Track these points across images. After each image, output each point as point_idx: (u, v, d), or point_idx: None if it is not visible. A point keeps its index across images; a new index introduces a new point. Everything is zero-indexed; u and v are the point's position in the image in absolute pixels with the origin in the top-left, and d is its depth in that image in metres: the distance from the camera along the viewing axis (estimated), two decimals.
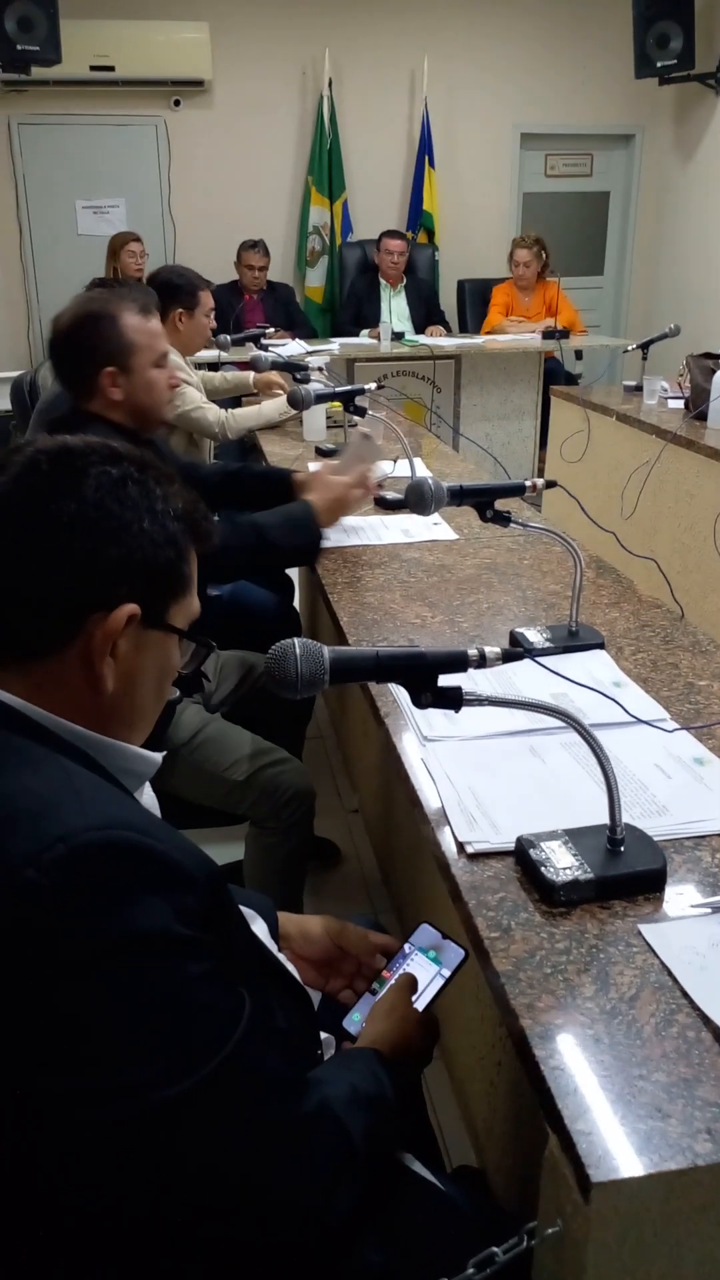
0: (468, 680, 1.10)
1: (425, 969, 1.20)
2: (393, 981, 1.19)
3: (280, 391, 3.61)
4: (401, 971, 1.19)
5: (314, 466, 3.01)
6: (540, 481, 1.67)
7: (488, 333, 6.14)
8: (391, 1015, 1.13)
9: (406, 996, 1.16)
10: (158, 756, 0.99)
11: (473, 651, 1.07)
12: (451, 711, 1.36)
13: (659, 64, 6.33)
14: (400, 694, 1.34)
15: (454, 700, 1.06)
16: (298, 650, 1.02)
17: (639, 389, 4.13)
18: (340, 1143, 0.90)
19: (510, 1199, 1.55)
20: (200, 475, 2.38)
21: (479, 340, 5.85)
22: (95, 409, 2.01)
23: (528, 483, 1.67)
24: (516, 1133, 1.58)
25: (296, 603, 3.29)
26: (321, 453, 3.18)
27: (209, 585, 2.60)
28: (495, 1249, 0.88)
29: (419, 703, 1.06)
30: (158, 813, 1.08)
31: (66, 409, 2.08)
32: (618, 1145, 0.81)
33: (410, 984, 1.17)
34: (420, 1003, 1.16)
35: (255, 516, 2.10)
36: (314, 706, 2.76)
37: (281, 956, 1.20)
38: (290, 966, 1.20)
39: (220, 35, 6.28)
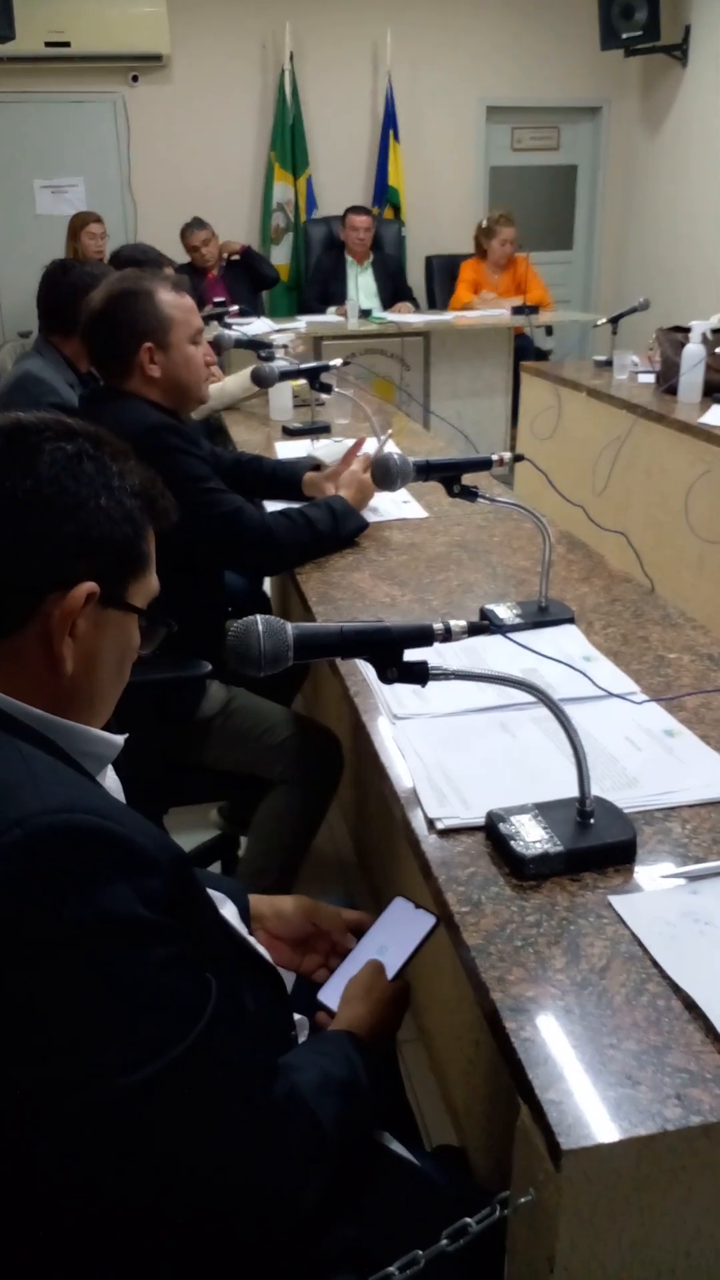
0: (437, 657, 1.09)
1: (398, 936, 1.20)
2: (364, 958, 1.19)
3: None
4: (371, 958, 1.19)
5: (281, 446, 3.00)
6: (507, 455, 1.66)
7: (456, 309, 6.11)
8: (368, 997, 1.13)
9: (381, 976, 1.16)
10: (119, 739, 0.98)
11: (438, 625, 1.06)
12: (421, 689, 1.37)
13: (624, 35, 6.31)
14: (369, 671, 1.34)
15: (420, 675, 1.05)
16: (260, 627, 1.01)
17: (609, 364, 4.12)
18: (310, 1129, 0.89)
19: (490, 1176, 1.56)
20: (221, 464, 2.37)
21: (448, 317, 5.82)
22: (132, 387, 1.99)
23: (494, 457, 1.66)
24: (495, 1111, 1.59)
25: (267, 586, 3.27)
26: (288, 431, 3.16)
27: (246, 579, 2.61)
28: (469, 1220, 0.88)
29: (385, 678, 1.06)
30: (121, 796, 1.07)
31: (104, 382, 2.06)
32: (588, 1113, 0.81)
33: (380, 967, 1.17)
34: (391, 968, 1.16)
35: (301, 509, 2.11)
36: (307, 671, 2.76)
37: (253, 940, 1.20)
38: (262, 949, 1.19)
39: (178, 9, 6.18)
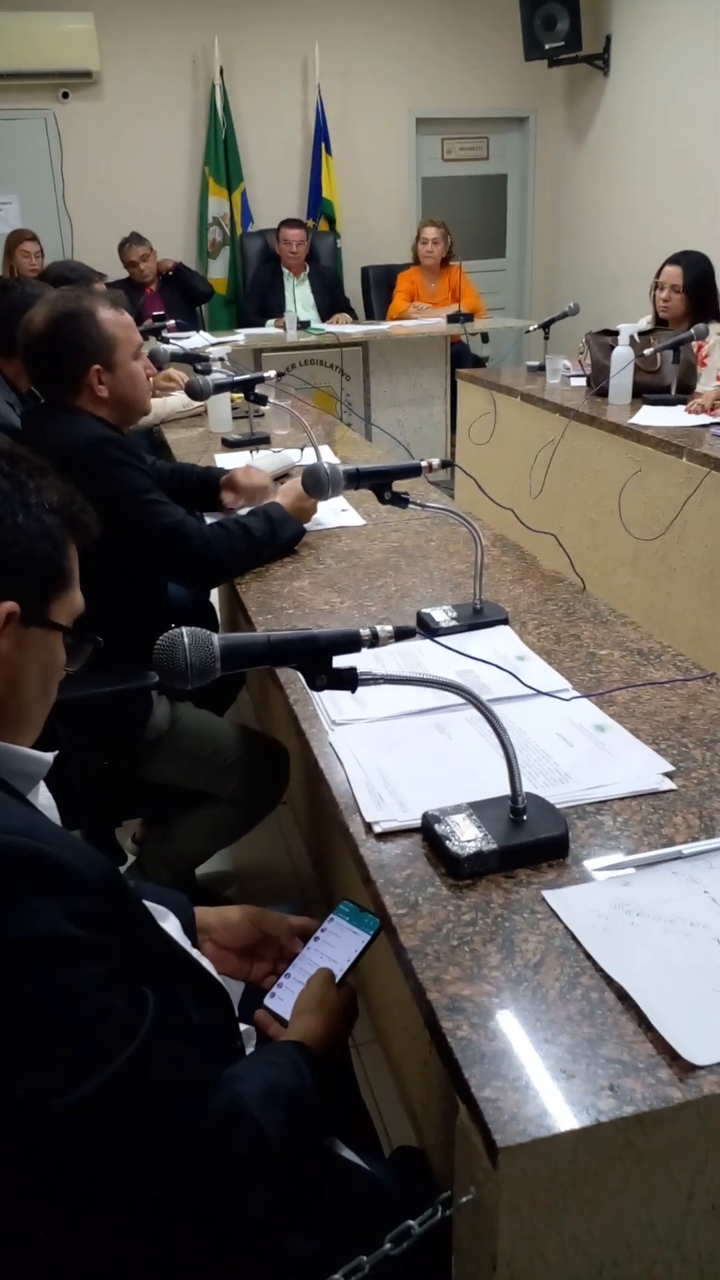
0: (375, 662, 1.10)
1: (343, 940, 1.20)
2: (310, 969, 1.19)
3: (175, 387, 3.56)
4: (320, 967, 1.19)
5: (220, 458, 2.99)
6: (435, 461, 1.67)
7: (393, 319, 6.15)
8: (320, 1009, 1.13)
9: (331, 988, 1.16)
10: (48, 757, 0.97)
11: (365, 631, 1.07)
12: (358, 694, 1.37)
13: (547, 46, 6.41)
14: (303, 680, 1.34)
15: (349, 681, 1.06)
16: (185, 639, 1.01)
17: (542, 369, 4.17)
18: (254, 1140, 0.89)
19: (449, 1177, 1.56)
20: (161, 476, 2.37)
21: (385, 326, 5.86)
22: (78, 404, 1.99)
23: (424, 463, 1.67)
24: (452, 1109, 1.59)
25: (214, 597, 3.26)
26: (228, 444, 3.16)
27: (191, 590, 2.61)
28: (411, 1222, 0.89)
29: (314, 685, 1.06)
30: (55, 814, 1.05)
31: (46, 400, 2.05)
32: (523, 1109, 0.82)
33: (330, 975, 1.17)
34: (338, 971, 1.16)
35: (237, 518, 2.12)
36: (242, 681, 2.76)
37: (195, 952, 1.19)
38: (206, 962, 1.19)
39: (106, 25, 6.16)
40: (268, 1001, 1.18)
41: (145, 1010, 0.82)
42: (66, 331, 1.94)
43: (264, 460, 2.72)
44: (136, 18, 6.31)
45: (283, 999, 1.17)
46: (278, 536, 2.11)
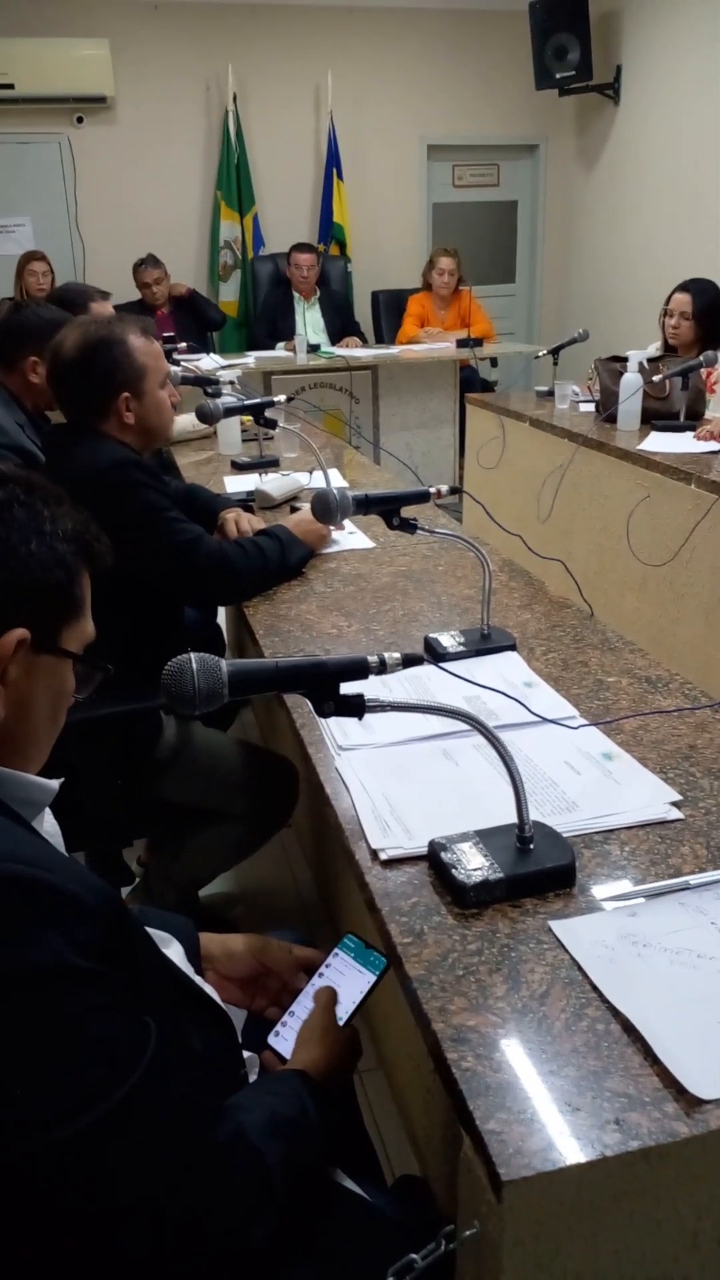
0: (381, 688, 1.10)
1: (348, 980, 1.19)
2: (313, 1004, 1.18)
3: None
4: (323, 987, 1.19)
5: (229, 480, 3.01)
6: (444, 488, 1.68)
7: (403, 343, 6.19)
8: (324, 1040, 1.12)
9: (332, 1018, 1.15)
10: (53, 784, 0.97)
11: (373, 659, 1.07)
12: (359, 720, 1.38)
13: (558, 75, 6.47)
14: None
15: (356, 708, 1.06)
16: (194, 665, 1.01)
17: (551, 394, 4.19)
18: (256, 1170, 0.88)
19: (451, 1206, 1.55)
20: (175, 495, 2.38)
21: (394, 350, 5.90)
22: (104, 429, 2.01)
23: (433, 490, 1.68)
24: (455, 1139, 1.57)
25: (221, 619, 3.27)
26: (237, 466, 3.17)
27: (198, 609, 2.62)
28: (414, 1256, 0.88)
29: (321, 711, 1.06)
30: (60, 841, 1.05)
31: (70, 423, 2.07)
32: (528, 1142, 0.81)
33: (333, 1001, 1.16)
34: (343, 1013, 1.15)
35: (250, 539, 2.14)
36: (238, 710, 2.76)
37: (199, 980, 1.19)
38: (209, 989, 1.19)
39: (121, 51, 6.25)
40: (272, 1041, 1.17)
41: (147, 1040, 0.82)
42: (98, 358, 1.95)
43: (272, 483, 2.73)
44: (151, 44, 6.40)
45: (286, 1038, 1.15)
46: (287, 558, 2.12)
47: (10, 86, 6.04)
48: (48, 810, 1.01)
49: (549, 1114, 0.84)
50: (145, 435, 2.05)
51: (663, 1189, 0.83)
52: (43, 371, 2.75)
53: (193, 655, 1.02)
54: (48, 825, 1.01)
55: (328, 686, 1.06)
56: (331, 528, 2.29)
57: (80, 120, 6.44)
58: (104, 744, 1.90)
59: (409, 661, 1.08)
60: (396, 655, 1.08)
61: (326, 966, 1.21)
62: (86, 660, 0.98)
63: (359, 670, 1.06)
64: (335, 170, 6.80)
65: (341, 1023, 1.15)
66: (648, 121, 6.33)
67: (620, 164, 6.71)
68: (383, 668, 1.07)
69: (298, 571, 2.16)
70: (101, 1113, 0.76)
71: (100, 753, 1.87)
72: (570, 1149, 0.81)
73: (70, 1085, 0.75)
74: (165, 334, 5.08)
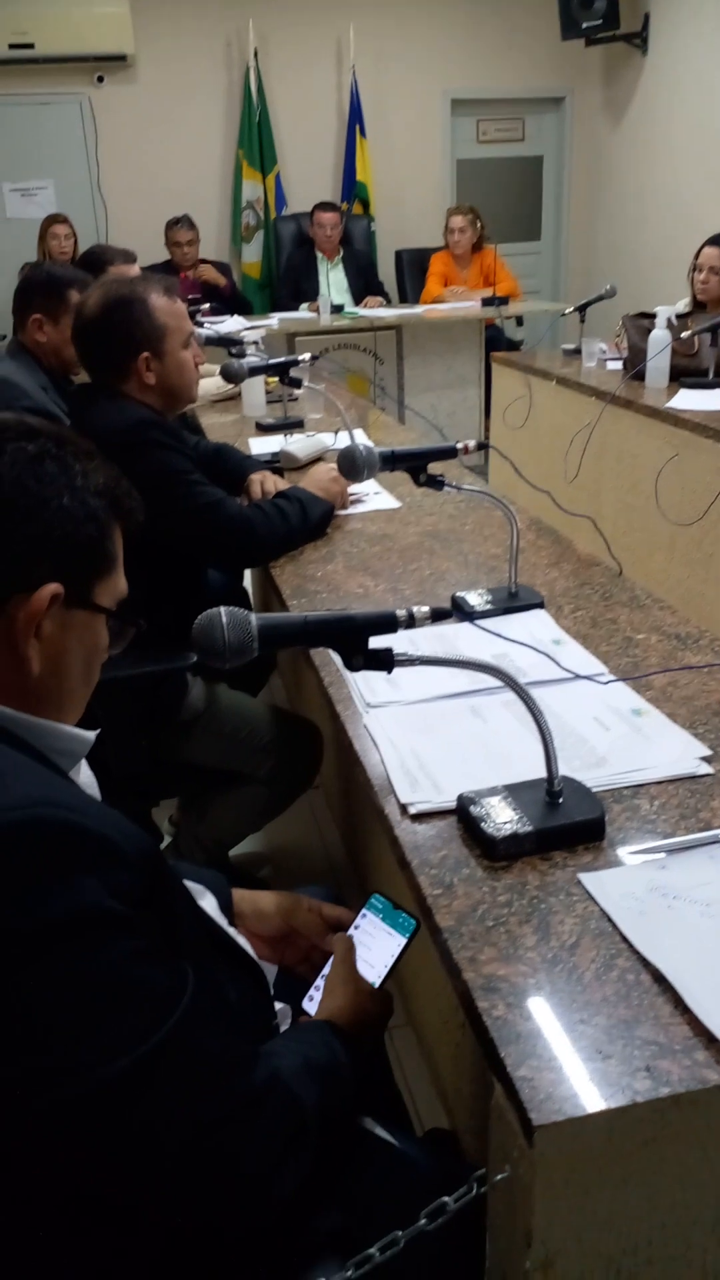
0: (408, 644, 1.10)
1: (377, 942, 1.19)
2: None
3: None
4: (340, 937, 1.19)
5: (255, 442, 3.00)
6: (472, 444, 1.67)
7: (427, 302, 6.12)
8: (345, 987, 1.13)
9: (352, 967, 1.16)
10: (90, 735, 0.98)
11: (401, 612, 1.07)
12: (393, 676, 1.37)
13: (584, 25, 6.32)
14: (339, 660, 1.34)
15: (385, 661, 1.06)
16: (224, 619, 1.01)
17: (578, 352, 4.14)
18: (291, 1114, 0.90)
19: (481, 1158, 1.57)
20: (203, 455, 2.38)
21: (419, 310, 5.83)
22: (126, 390, 2.00)
23: (460, 445, 1.66)
24: (482, 1093, 1.59)
25: (246, 580, 3.27)
26: (262, 428, 3.16)
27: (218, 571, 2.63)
28: (446, 1198, 0.89)
29: (350, 665, 1.06)
30: (96, 792, 1.07)
31: (94, 383, 2.07)
32: (559, 1088, 0.82)
33: (351, 951, 1.17)
34: (376, 977, 1.16)
35: (271, 501, 2.13)
36: (274, 663, 2.77)
37: (233, 931, 1.20)
38: (242, 940, 1.20)
39: (141, 9, 6.15)
40: (306, 1005, 1.18)
41: (185, 985, 0.83)
42: (118, 318, 1.95)
43: (297, 444, 2.72)
44: (172, 1, 6.30)
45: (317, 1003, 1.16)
46: (309, 518, 2.12)
47: (30, 46, 5.98)
48: (84, 761, 1.02)
49: (580, 1061, 0.84)
50: (168, 396, 2.04)
51: (693, 1135, 0.84)
52: (50, 330, 2.78)
53: (222, 609, 1.02)
54: (84, 776, 1.03)
55: (356, 640, 1.06)
56: (352, 484, 2.27)
57: (101, 80, 6.37)
58: (128, 704, 1.91)
59: (438, 615, 1.08)
60: (425, 609, 1.08)
61: (355, 928, 1.22)
62: (119, 615, 0.98)
63: (388, 624, 1.06)
64: (358, 127, 6.69)
65: (376, 985, 1.16)
66: (677, 72, 6.17)
67: (648, 116, 6.56)
68: (411, 621, 1.07)
69: (322, 530, 2.15)
70: (139, 1057, 0.77)
71: (125, 713, 1.89)
72: (601, 1095, 0.81)
73: (109, 1029, 0.76)
74: (190, 296, 5.05)
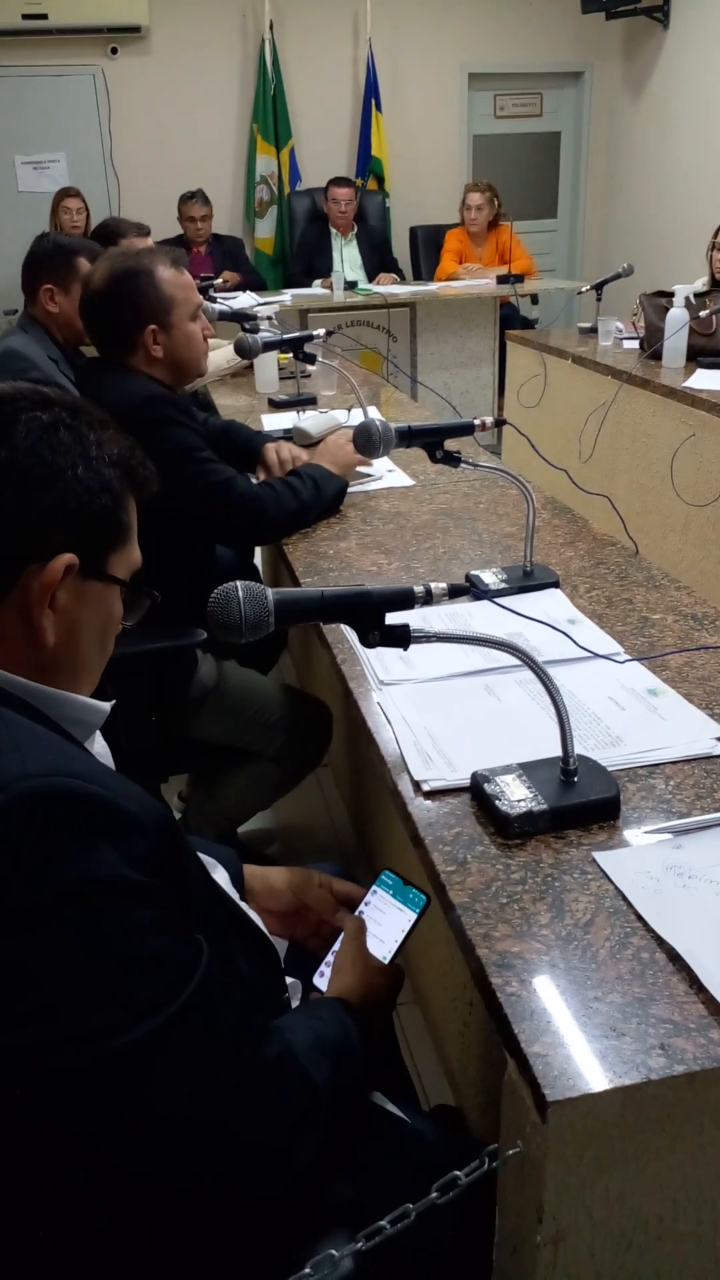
0: (421, 622, 1.09)
1: (388, 918, 1.20)
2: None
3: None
4: (349, 917, 1.19)
5: (267, 418, 2.98)
6: (489, 420, 1.65)
7: (442, 280, 6.07)
8: (355, 966, 1.14)
9: (362, 946, 1.16)
10: (105, 705, 0.98)
11: (419, 588, 1.06)
12: (407, 655, 1.37)
13: None
14: (355, 638, 1.34)
15: (402, 638, 1.05)
16: (240, 593, 1.01)
17: (594, 331, 4.10)
18: (303, 1089, 0.90)
19: (486, 1136, 1.58)
20: (212, 432, 2.37)
21: (433, 287, 5.78)
22: (133, 363, 1.99)
23: (476, 421, 1.65)
24: (489, 1071, 1.60)
25: (257, 558, 3.26)
26: (275, 404, 3.14)
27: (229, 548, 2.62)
28: (458, 1172, 0.89)
29: (367, 642, 1.06)
30: (110, 762, 1.07)
31: (102, 357, 2.06)
32: (573, 1065, 0.82)
33: (361, 930, 1.17)
34: (386, 953, 1.16)
35: (283, 479, 2.12)
36: (285, 640, 2.77)
37: (244, 905, 1.20)
38: (254, 914, 1.20)
39: None
40: (316, 981, 1.18)
41: (200, 956, 0.83)
42: (124, 290, 1.93)
43: (311, 421, 2.70)
44: None
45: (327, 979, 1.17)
46: (322, 495, 2.10)
47: (44, 16, 5.91)
48: (98, 733, 1.02)
49: (594, 1038, 0.84)
50: (176, 369, 2.02)
51: (706, 1113, 0.84)
52: (61, 300, 2.77)
53: (239, 583, 1.01)
54: (98, 746, 1.03)
55: (373, 616, 1.05)
56: (364, 458, 2.26)
57: (114, 51, 6.30)
58: (137, 680, 1.90)
59: (455, 592, 1.07)
60: (443, 585, 1.07)
61: (365, 904, 1.22)
62: (134, 587, 0.98)
63: (405, 600, 1.06)
64: (374, 101, 6.62)
65: (385, 961, 1.16)
66: (699, 46, 6.08)
67: (669, 91, 6.47)
68: (428, 598, 1.06)
69: (335, 508, 2.14)
70: (151, 1028, 0.77)
71: (133, 688, 1.89)
72: (615, 1072, 0.81)
73: (121, 999, 0.76)
74: (202, 274, 5.01)
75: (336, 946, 1.19)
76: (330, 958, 1.19)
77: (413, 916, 1.18)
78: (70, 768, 0.79)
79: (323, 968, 1.19)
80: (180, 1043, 0.79)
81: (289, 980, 1.20)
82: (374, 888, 1.23)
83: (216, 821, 2.19)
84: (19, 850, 0.74)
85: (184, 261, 2.05)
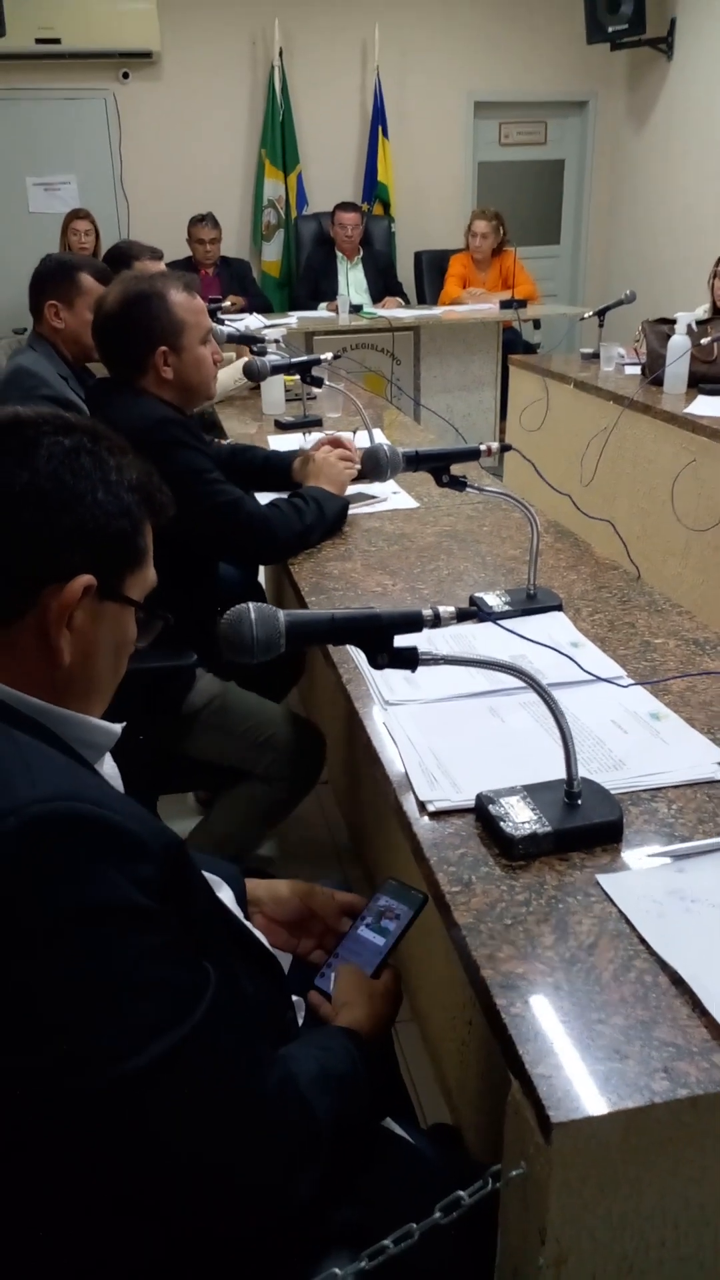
0: (427, 643, 1.10)
1: (389, 917, 1.22)
2: (360, 949, 1.21)
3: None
4: (367, 941, 1.21)
5: (273, 439, 3.01)
6: (494, 445, 1.67)
7: (446, 304, 6.12)
8: (361, 996, 1.14)
9: (364, 978, 1.18)
10: (116, 728, 0.99)
11: (427, 611, 1.08)
12: (412, 675, 1.38)
13: (610, 29, 6.31)
14: (360, 659, 1.35)
15: (410, 660, 1.07)
16: (252, 615, 1.02)
17: (596, 356, 4.14)
18: (304, 1121, 0.89)
19: (484, 1155, 1.58)
20: (219, 456, 2.39)
21: (437, 312, 5.84)
22: (143, 385, 2.02)
23: (482, 447, 1.67)
24: (488, 1090, 1.60)
25: (261, 577, 3.28)
26: (281, 425, 3.17)
27: (234, 568, 2.63)
28: (461, 1193, 0.90)
29: (375, 663, 1.07)
30: (119, 784, 1.08)
31: (113, 378, 2.09)
32: (577, 1087, 0.83)
33: (358, 969, 1.19)
34: (383, 945, 1.19)
35: (287, 499, 2.14)
36: (303, 669, 2.78)
37: (249, 924, 1.21)
38: (258, 933, 1.21)
39: (167, 5, 6.17)
40: (318, 982, 1.20)
41: (207, 983, 0.83)
42: (136, 313, 1.96)
43: (316, 443, 2.72)
44: None
45: (331, 980, 1.19)
46: (325, 515, 2.12)
47: (57, 41, 6.00)
48: (108, 754, 1.03)
49: (597, 1060, 0.85)
50: (185, 392, 2.05)
51: (709, 1137, 0.84)
52: (66, 315, 2.81)
53: (251, 605, 1.03)
54: (108, 768, 1.03)
55: (382, 638, 1.06)
56: (374, 483, 2.28)
57: (126, 76, 6.39)
58: (129, 697, 1.91)
59: (463, 615, 1.08)
60: (450, 609, 1.09)
61: (368, 910, 1.25)
62: (149, 609, 0.99)
63: (413, 623, 1.07)
64: (380, 128, 6.70)
65: (382, 954, 1.17)
66: (702, 77, 6.16)
67: (672, 121, 6.55)
68: (436, 621, 1.07)
69: (338, 527, 2.16)
70: (154, 1055, 0.76)
71: (125, 705, 1.89)
72: (618, 1095, 0.82)
73: (126, 1024, 0.76)
74: (210, 296, 5.06)
75: (339, 949, 1.22)
76: (332, 960, 1.21)
77: (410, 913, 1.21)
78: (79, 791, 0.80)
79: (324, 969, 1.21)
80: (183, 1071, 0.78)
81: (293, 999, 1.21)
82: (376, 894, 1.26)
83: (220, 844, 2.19)
84: (27, 874, 0.74)
85: (196, 286, 2.08)
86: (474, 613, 1.10)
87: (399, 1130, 1.14)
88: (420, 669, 1.11)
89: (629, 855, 1.10)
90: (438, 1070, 1.91)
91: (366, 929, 1.23)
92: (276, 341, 3.37)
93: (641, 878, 1.06)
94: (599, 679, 1.43)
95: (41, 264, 2.95)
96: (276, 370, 2.69)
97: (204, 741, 2.08)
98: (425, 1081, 1.90)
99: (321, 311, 5.80)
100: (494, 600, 1.72)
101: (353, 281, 6.21)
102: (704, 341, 3.46)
